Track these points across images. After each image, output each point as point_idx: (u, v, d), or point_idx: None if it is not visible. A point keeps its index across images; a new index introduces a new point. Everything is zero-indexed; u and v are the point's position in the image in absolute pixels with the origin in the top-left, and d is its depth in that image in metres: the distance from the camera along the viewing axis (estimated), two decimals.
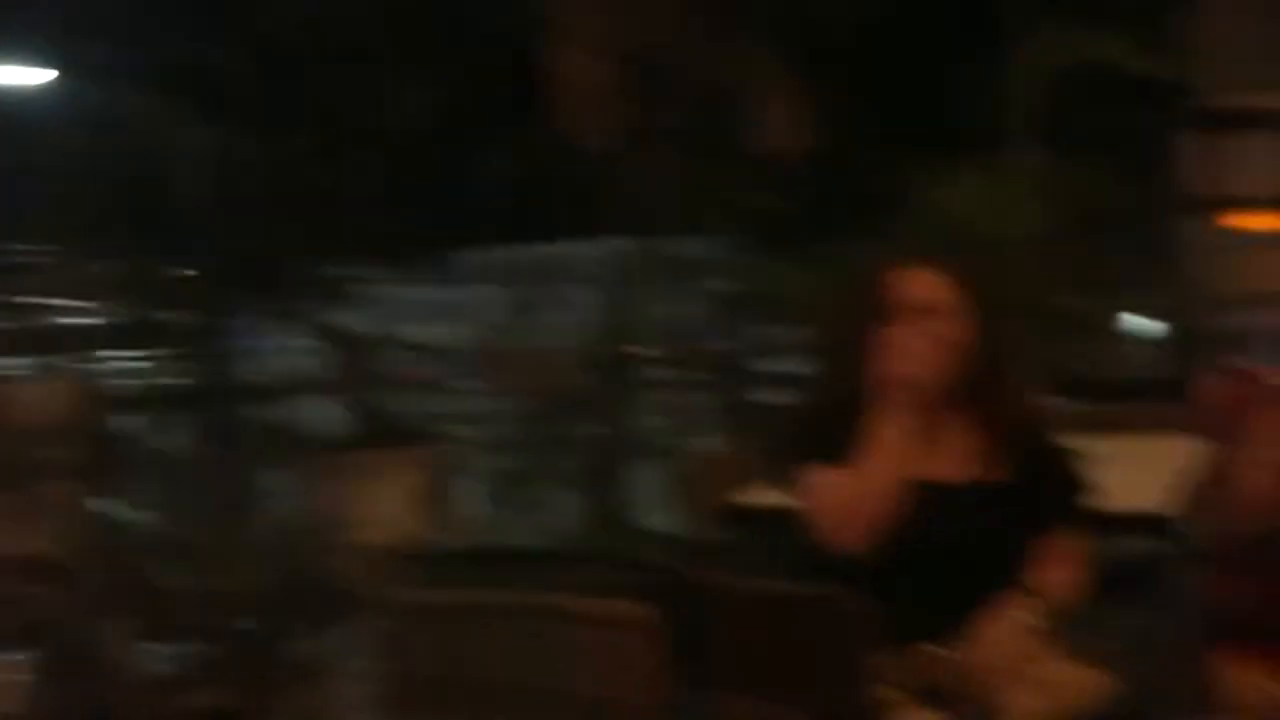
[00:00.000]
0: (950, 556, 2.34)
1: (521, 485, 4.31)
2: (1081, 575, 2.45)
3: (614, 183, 4.52)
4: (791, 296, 4.58)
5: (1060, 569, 2.42)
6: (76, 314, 7.67)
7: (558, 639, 2.15)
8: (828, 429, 2.44)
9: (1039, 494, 2.43)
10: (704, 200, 4.54)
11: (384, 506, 4.38)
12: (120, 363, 7.39)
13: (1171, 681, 2.62)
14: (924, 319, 2.39)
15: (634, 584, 2.38)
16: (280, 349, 6.82)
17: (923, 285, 2.43)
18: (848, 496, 2.33)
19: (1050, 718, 2.16)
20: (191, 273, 6.89)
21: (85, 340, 7.33)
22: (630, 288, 4.66)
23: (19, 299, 7.31)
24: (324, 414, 5.70)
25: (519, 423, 4.52)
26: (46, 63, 7.41)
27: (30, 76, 7.58)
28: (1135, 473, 2.92)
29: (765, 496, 2.83)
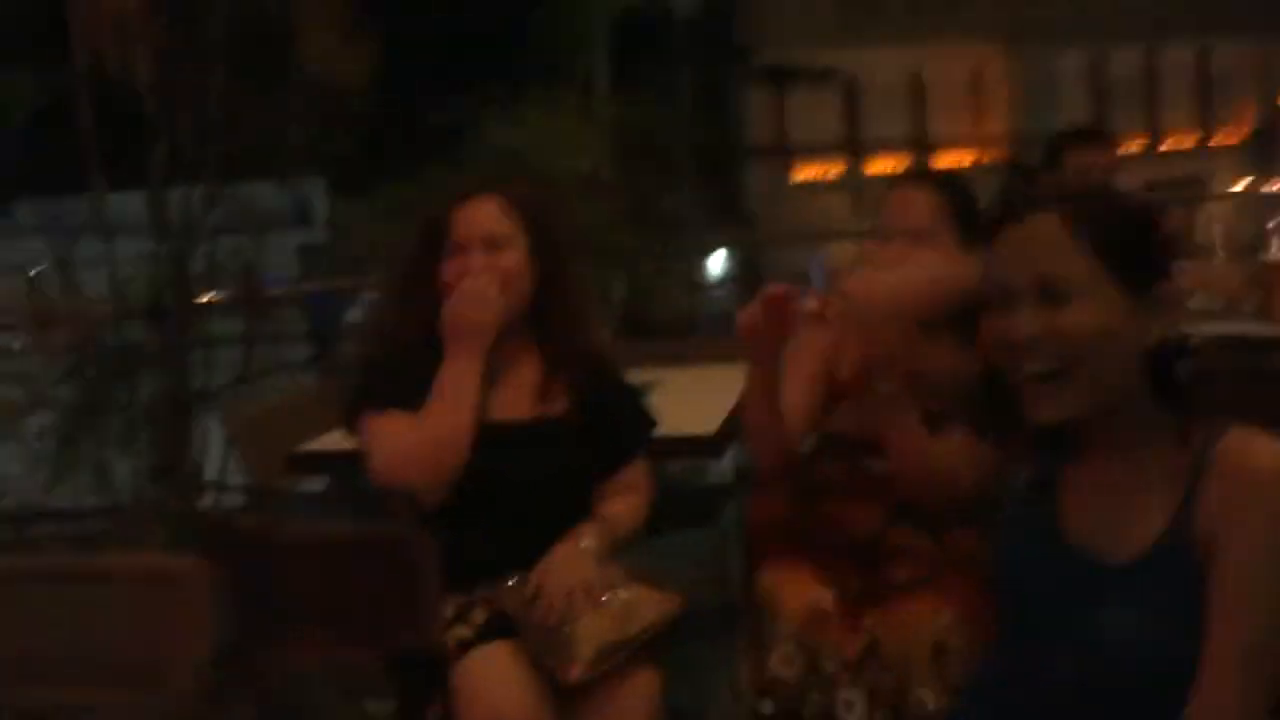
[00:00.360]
0: (518, 493, 2.36)
1: (71, 443, 4.00)
2: (645, 502, 2.53)
3: (161, 122, 4.22)
4: (361, 239, 4.46)
5: (625, 497, 2.48)
6: None
7: (98, 600, 2.00)
8: (396, 372, 2.40)
9: (604, 427, 2.47)
10: (262, 139, 4.32)
11: None
12: None
13: (727, 595, 2.77)
14: (487, 252, 2.38)
15: (187, 537, 2.26)
16: None
17: (485, 218, 2.42)
18: (414, 441, 2.31)
19: (617, 640, 2.21)
20: None
21: None
22: (192, 235, 4.39)
23: None
24: None
25: (67, 380, 4.18)
26: None
27: None
28: (694, 401, 3.05)
29: (335, 443, 2.75)
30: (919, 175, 2.59)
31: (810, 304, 2.20)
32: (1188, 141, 24.95)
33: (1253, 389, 2.86)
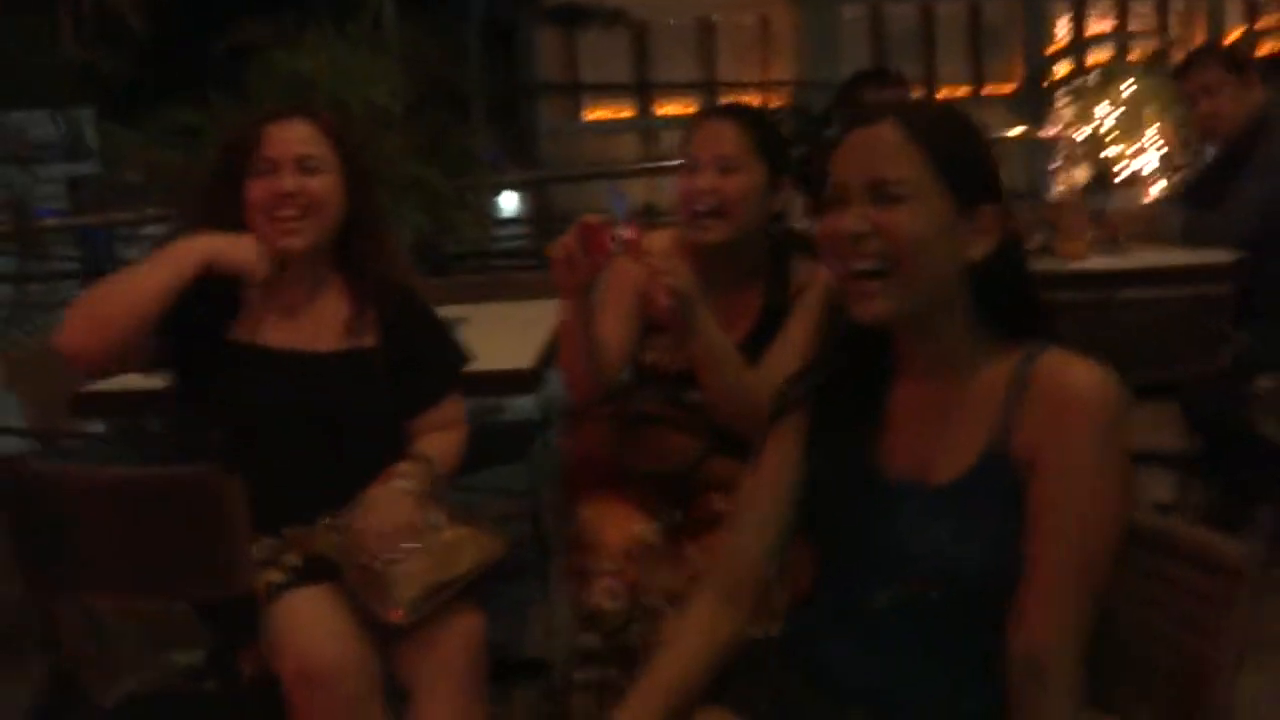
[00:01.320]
0: (330, 428, 2.26)
1: None
2: (461, 438, 2.46)
3: None
4: (134, 168, 4.19)
5: (441, 434, 2.41)
6: None
7: None
8: (201, 295, 2.26)
9: (417, 362, 2.39)
10: (31, 64, 4.01)
11: None
12: None
13: (546, 530, 2.74)
14: (299, 174, 2.27)
15: None
16: None
17: (299, 139, 2.30)
18: (99, 293, 2.19)
19: (440, 581, 2.13)
20: None
21: None
22: None
23: None
24: None
25: None
26: None
27: None
28: (502, 337, 3.00)
29: (121, 383, 2.59)
30: (726, 108, 2.57)
31: (625, 233, 2.17)
32: (961, 91, 25.91)
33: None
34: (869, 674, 1.54)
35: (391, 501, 2.20)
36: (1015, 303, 1.55)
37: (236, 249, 2.22)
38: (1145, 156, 4.48)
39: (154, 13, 4.63)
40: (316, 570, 2.15)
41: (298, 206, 2.25)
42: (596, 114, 24.10)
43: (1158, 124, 4.53)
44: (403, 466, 2.28)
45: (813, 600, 1.67)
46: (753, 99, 24.52)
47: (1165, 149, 4.45)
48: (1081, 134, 4.55)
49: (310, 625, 2.07)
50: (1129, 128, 4.53)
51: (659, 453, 2.45)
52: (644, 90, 23.27)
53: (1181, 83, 3.72)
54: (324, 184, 2.28)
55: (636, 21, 22.50)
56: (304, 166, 2.26)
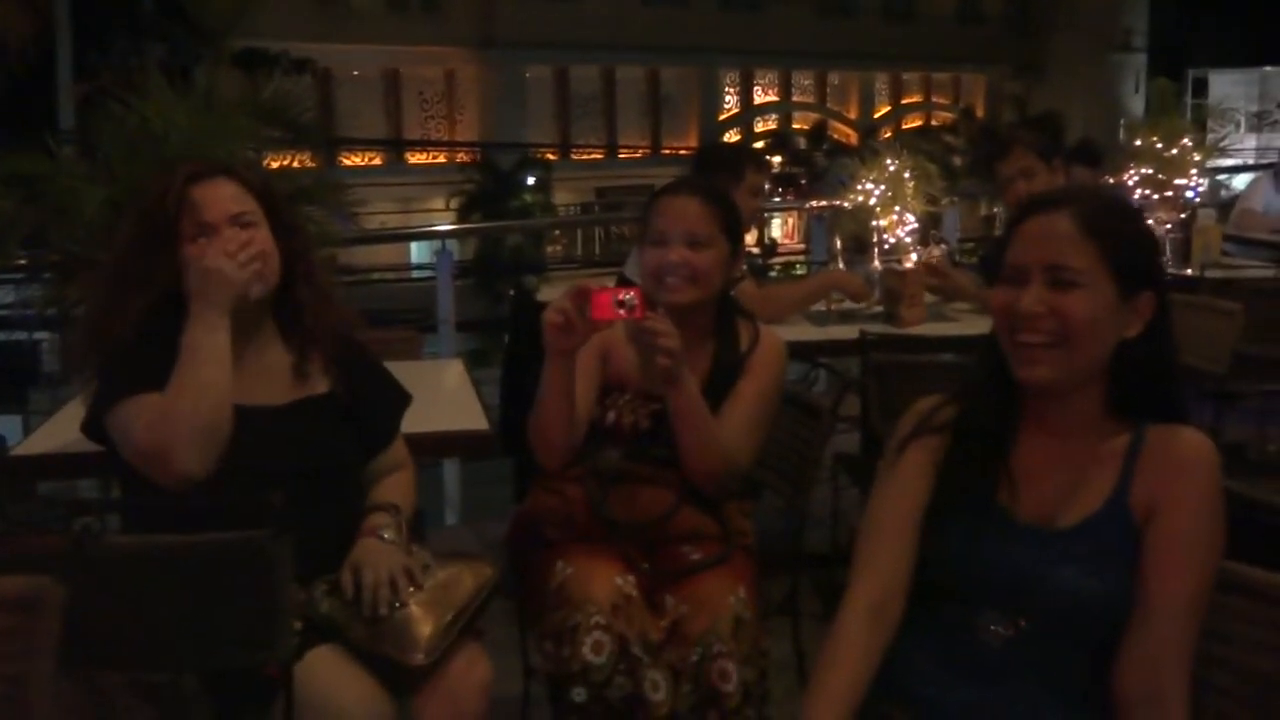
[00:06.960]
0: (298, 481, 2.18)
1: None
2: (412, 477, 2.51)
3: None
4: None
5: (395, 476, 2.46)
6: None
7: None
8: (134, 359, 2.20)
9: (365, 404, 2.41)
10: None
11: None
12: None
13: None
14: (233, 230, 2.26)
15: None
16: None
17: (230, 198, 2.29)
18: (175, 404, 2.13)
19: (449, 617, 2.19)
20: None
21: None
22: None
23: None
24: None
25: None
26: None
27: None
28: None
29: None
30: (691, 185, 2.73)
31: (632, 296, 2.29)
32: (640, 150, 26.90)
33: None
34: (981, 704, 1.70)
35: (383, 552, 2.23)
36: (1152, 387, 1.75)
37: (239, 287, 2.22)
38: (905, 228, 4.90)
39: None
40: (324, 629, 2.15)
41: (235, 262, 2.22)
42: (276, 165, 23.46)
43: (914, 199, 4.95)
44: (379, 519, 2.30)
45: (917, 633, 1.78)
46: (438, 152, 24.58)
47: (916, 224, 4.88)
48: (850, 203, 4.92)
49: (335, 687, 2.07)
50: (891, 201, 4.94)
51: (633, 507, 2.55)
52: (329, 139, 22.91)
53: (1000, 166, 4.14)
54: (264, 237, 2.29)
55: (321, 70, 22.21)
56: (241, 223, 2.27)
